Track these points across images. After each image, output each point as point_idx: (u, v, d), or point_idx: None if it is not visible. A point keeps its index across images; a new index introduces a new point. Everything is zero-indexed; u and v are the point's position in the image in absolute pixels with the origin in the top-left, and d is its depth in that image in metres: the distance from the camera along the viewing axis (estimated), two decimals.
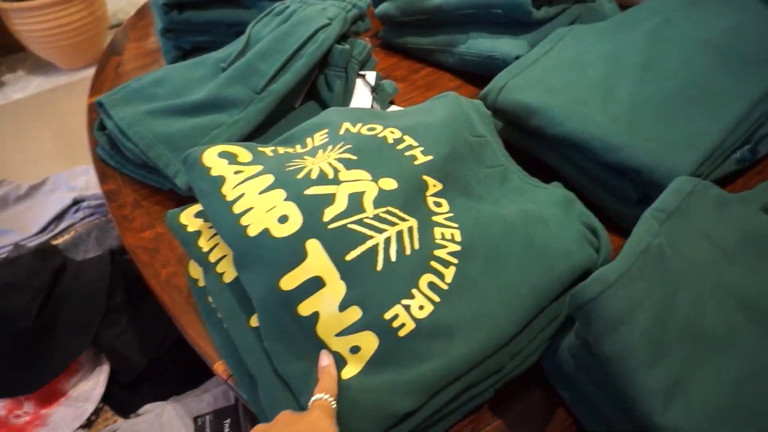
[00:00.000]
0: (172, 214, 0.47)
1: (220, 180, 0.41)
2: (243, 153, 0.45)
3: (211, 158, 0.43)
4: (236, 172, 0.42)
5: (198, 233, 0.44)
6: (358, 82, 0.66)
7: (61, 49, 2.45)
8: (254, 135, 0.61)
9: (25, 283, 0.64)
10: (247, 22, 0.70)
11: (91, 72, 2.42)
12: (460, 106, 0.53)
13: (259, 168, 0.42)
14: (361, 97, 0.65)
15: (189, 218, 0.46)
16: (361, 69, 0.66)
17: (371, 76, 0.66)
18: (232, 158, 0.44)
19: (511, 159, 0.53)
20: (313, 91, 0.66)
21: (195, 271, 0.47)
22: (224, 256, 0.42)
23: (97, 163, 0.69)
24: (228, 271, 0.41)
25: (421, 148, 0.46)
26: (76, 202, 1.00)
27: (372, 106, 0.65)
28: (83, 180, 1.08)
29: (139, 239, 0.58)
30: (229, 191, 0.40)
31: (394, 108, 0.68)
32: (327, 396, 0.32)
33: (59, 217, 1.00)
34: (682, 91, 0.54)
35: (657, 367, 0.30)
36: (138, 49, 0.95)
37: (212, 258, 0.42)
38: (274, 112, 0.62)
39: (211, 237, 0.43)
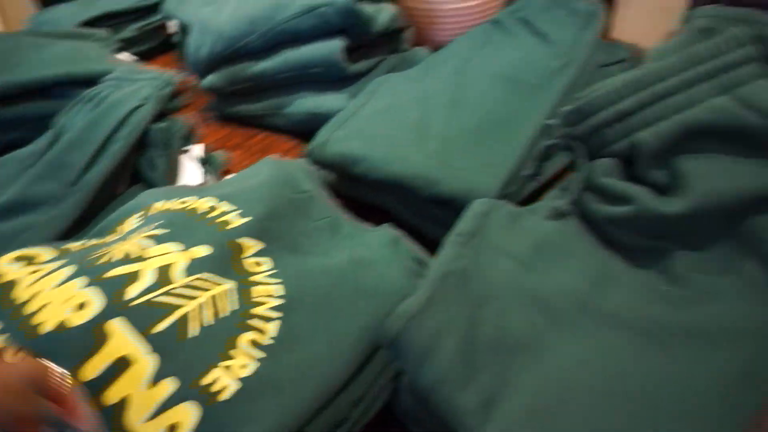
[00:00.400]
0: None
1: (11, 285, 0.37)
2: (43, 253, 0.42)
3: (2, 266, 0.40)
4: (32, 272, 0.39)
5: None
6: (184, 158, 0.65)
7: None
8: (74, 230, 0.57)
9: None
10: (53, 114, 0.67)
11: None
12: (281, 168, 0.54)
13: (59, 263, 0.39)
14: (189, 172, 0.64)
15: None
16: (184, 145, 0.65)
17: (197, 149, 0.65)
18: (29, 260, 0.41)
19: (339, 209, 0.54)
20: (137, 174, 0.64)
21: None
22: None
23: None
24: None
25: (238, 212, 0.45)
26: None
27: (203, 180, 0.64)
28: None
29: None
30: (20, 294, 0.37)
31: (229, 177, 0.67)
32: None
33: None
34: (484, 122, 0.60)
35: (471, 387, 0.31)
36: None
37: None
38: (95, 203, 0.59)
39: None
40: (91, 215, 0.59)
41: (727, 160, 0.35)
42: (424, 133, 0.60)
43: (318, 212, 0.52)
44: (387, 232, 0.51)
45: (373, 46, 0.79)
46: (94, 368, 0.33)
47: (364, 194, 0.62)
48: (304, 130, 0.76)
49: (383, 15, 0.76)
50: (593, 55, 0.67)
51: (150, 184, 0.63)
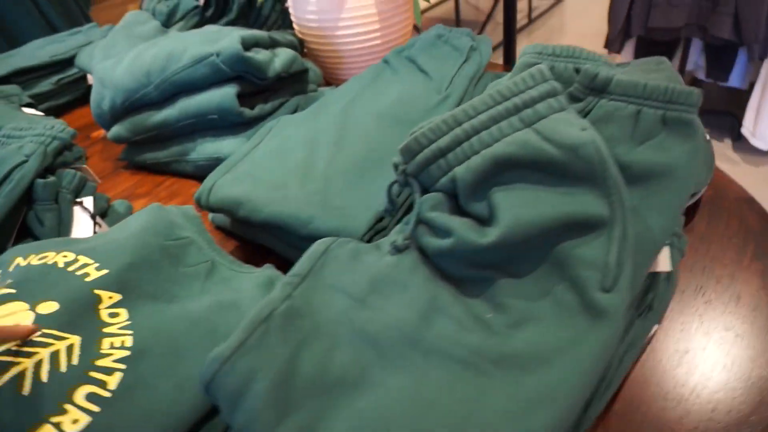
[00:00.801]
0: None
1: None
2: None
3: None
4: None
5: None
6: (77, 210, 0.65)
7: None
8: None
9: None
10: None
11: None
12: (159, 215, 0.55)
13: None
14: (82, 225, 0.64)
15: None
16: (77, 196, 0.66)
17: (88, 201, 0.66)
18: None
19: (222, 252, 0.55)
20: (28, 230, 0.64)
21: None
22: None
23: None
24: None
25: (96, 264, 0.46)
26: None
27: (96, 232, 0.64)
28: None
29: None
30: None
31: (104, 229, 0.68)
32: None
33: None
34: (364, 160, 0.61)
35: (282, 427, 0.32)
36: None
37: None
38: None
39: None
40: None
41: (532, 190, 0.37)
42: (308, 173, 0.62)
43: (194, 258, 0.53)
44: (265, 273, 0.52)
45: (275, 89, 0.81)
46: None
47: (253, 235, 0.63)
48: (209, 174, 0.77)
49: (279, 59, 0.78)
50: (474, 88, 0.70)
51: (38, 240, 0.63)
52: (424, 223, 0.41)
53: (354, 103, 0.70)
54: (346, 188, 0.59)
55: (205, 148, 0.76)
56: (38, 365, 0.38)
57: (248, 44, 0.74)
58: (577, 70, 0.44)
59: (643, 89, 0.40)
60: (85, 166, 0.70)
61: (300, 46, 0.92)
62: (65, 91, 1.06)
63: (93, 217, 0.65)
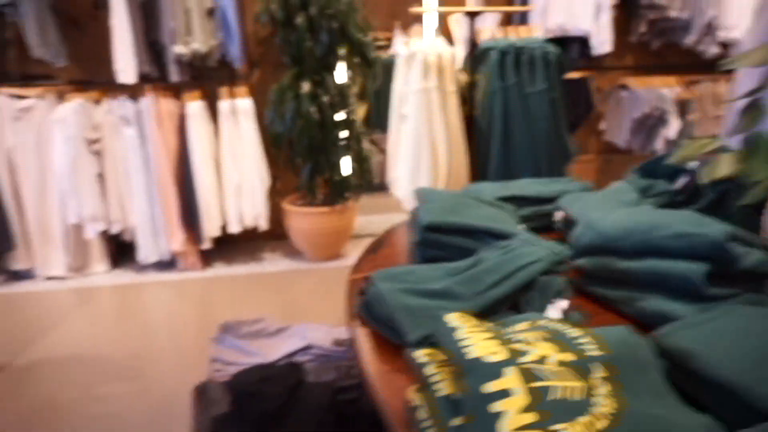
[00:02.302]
0: (409, 351, 0.71)
1: (455, 328, 0.65)
2: (471, 319, 0.69)
3: (454, 316, 0.68)
4: (467, 327, 0.66)
5: (426, 363, 0.67)
6: (550, 306, 0.88)
7: (311, 243, 3.15)
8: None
9: (279, 380, 0.91)
10: (473, 249, 1.00)
11: (327, 265, 3.12)
12: (631, 337, 0.71)
13: (481, 328, 0.66)
14: (552, 315, 0.87)
15: (423, 353, 0.69)
16: (554, 297, 0.89)
17: (562, 303, 0.88)
18: (465, 320, 0.69)
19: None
20: (515, 304, 0.90)
21: (419, 397, 0.69)
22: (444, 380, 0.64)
23: (353, 320, 0.98)
24: (446, 389, 0.62)
25: (597, 347, 0.65)
26: (307, 347, 1.31)
27: None
28: (314, 334, 1.41)
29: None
30: (462, 334, 0.63)
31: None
32: None
33: (292, 354, 1.31)
34: None
35: None
36: (388, 251, 1.31)
37: (437, 378, 0.64)
38: (485, 312, 0.86)
39: (440, 365, 0.66)
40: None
41: None
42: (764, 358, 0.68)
43: (654, 378, 0.67)
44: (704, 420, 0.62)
45: (734, 279, 0.91)
46: (492, 387, 0.56)
47: (692, 389, 0.72)
48: (649, 322, 0.91)
49: (751, 258, 0.88)
50: None
51: (520, 312, 0.88)
52: None
53: None
54: None
55: (656, 303, 0.90)
56: (565, 388, 0.57)
57: (730, 237, 0.86)
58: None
59: None
60: (563, 276, 0.94)
61: None
62: (537, 218, 1.39)
63: (562, 315, 0.87)
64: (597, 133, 3.84)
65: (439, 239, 1.10)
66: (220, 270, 3.11)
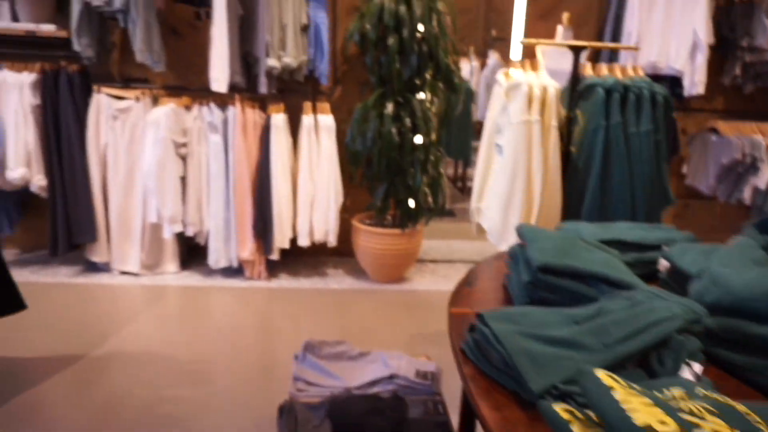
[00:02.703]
0: (546, 405, 0.66)
1: (611, 388, 0.60)
2: (618, 378, 0.64)
3: (602, 374, 0.63)
4: (621, 387, 0.61)
5: (569, 421, 0.62)
6: (685, 368, 0.81)
7: (377, 264, 3.14)
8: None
9: (387, 413, 0.88)
10: (587, 296, 0.94)
11: (390, 287, 3.09)
12: None
13: (635, 390, 0.60)
14: (686, 373, 0.80)
15: (560, 409, 0.65)
16: (689, 358, 0.82)
17: (697, 367, 0.81)
18: (613, 379, 0.63)
19: None
20: (644, 361, 0.84)
21: None
22: None
23: (459, 355, 0.94)
24: None
25: None
26: (391, 377, 1.28)
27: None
28: (397, 362, 1.37)
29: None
30: (619, 396, 0.58)
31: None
32: None
33: (375, 382, 1.28)
34: None
35: None
36: (484, 285, 1.27)
37: None
38: (612, 367, 0.81)
39: (584, 426, 0.61)
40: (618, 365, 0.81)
41: None
42: None
43: None
44: None
45: None
46: None
47: None
48: None
49: None
50: None
51: (651, 373, 0.82)
52: None
53: None
54: None
55: None
56: None
57: None
58: None
59: None
60: (693, 337, 0.87)
61: None
62: (640, 266, 1.31)
63: (698, 378, 0.80)
64: (678, 177, 3.67)
65: (551, 281, 1.05)
66: (284, 282, 3.13)
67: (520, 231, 1.25)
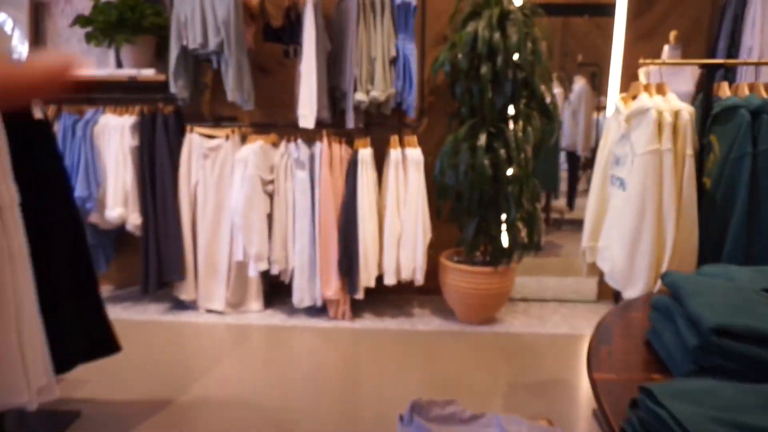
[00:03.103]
0: None
1: None
2: None
3: None
4: None
5: None
6: None
7: (466, 305, 2.94)
8: None
9: None
10: None
11: (480, 329, 2.84)
12: None
13: None
14: None
15: None
16: None
17: None
18: None
19: None
20: None
21: None
22: None
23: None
24: None
25: None
26: None
27: None
28: (514, 428, 1.18)
29: None
30: None
31: None
32: None
33: None
34: None
35: None
36: (623, 343, 1.07)
37: None
38: None
39: None
40: None
41: None
42: None
43: None
44: None
45: None
46: None
47: None
48: None
49: None
50: None
51: None
52: None
53: None
54: None
55: None
56: None
57: None
58: None
59: None
60: None
61: None
62: None
63: None
64: None
65: (728, 346, 0.83)
66: (368, 322, 2.99)
67: (671, 280, 1.04)
